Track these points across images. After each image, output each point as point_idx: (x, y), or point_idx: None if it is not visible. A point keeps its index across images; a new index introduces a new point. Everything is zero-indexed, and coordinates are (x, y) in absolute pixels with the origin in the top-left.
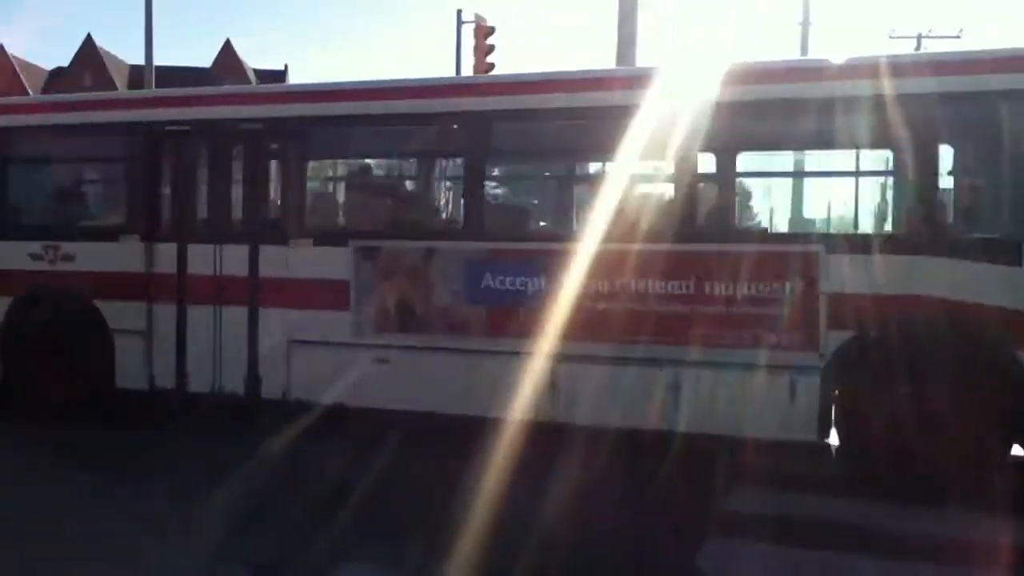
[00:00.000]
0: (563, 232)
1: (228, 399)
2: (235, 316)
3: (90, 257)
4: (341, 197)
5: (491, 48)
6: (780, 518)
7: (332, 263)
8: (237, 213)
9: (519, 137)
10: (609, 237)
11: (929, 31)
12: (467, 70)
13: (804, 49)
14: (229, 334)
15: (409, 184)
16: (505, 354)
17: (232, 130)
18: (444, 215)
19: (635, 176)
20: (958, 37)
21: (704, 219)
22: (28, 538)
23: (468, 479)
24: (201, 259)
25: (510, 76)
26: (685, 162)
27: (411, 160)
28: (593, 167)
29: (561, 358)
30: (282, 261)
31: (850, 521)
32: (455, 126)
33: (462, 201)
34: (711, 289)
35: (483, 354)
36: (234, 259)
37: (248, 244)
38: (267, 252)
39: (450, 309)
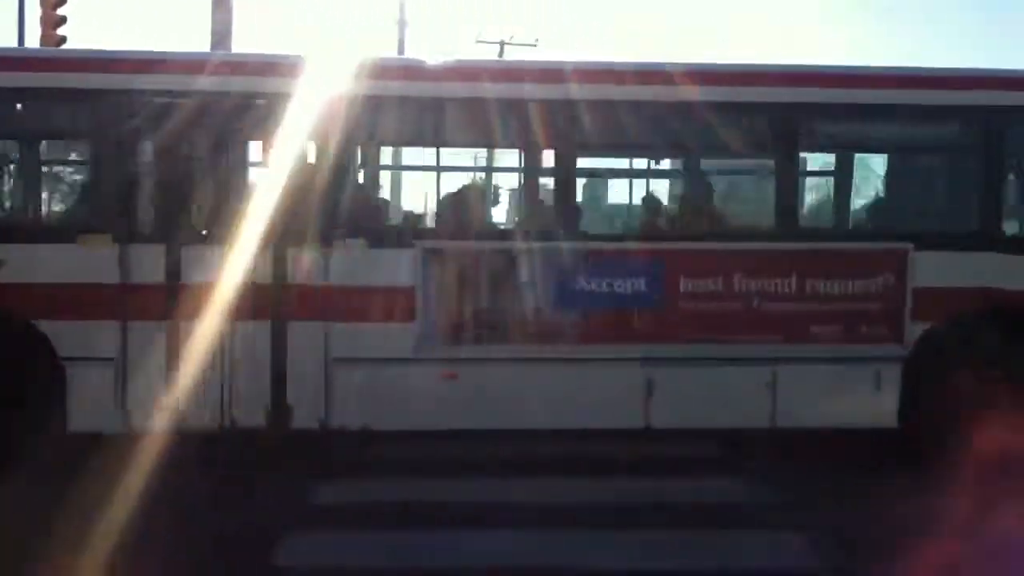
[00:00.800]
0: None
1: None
2: (253, 332)
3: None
4: (403, 190)
5: (62, 19)
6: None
7: (392, 267)
8: (261, 208)
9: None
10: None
11: (511, 37)
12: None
13: (401, 48)
14: (244, 354)
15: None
16: (599, 360)
17: (248, 104)
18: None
19: None
20: (534, 45)
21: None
22: None
23: None
24: (199, 265)
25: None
26: None
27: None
28: None
29: (661, 362)
30: (323, 266)
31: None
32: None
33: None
34: None
35: (577, 362)
36: (251, 264)
37: (272, 245)
38: (300, 255)
39: (539, 315)
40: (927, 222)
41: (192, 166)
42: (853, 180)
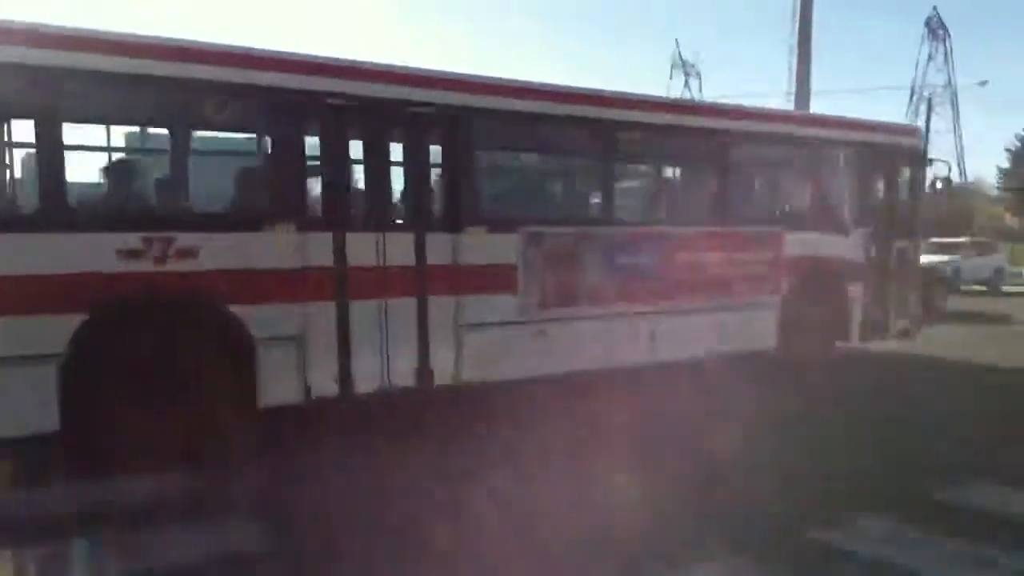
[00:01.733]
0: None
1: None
2: (402, 307)
3: (223, 251)
4: (512, 186)
5: None
6: None
7: (503, 249)
8: (402, 200)
9: None
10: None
11: None
12: None
13: None
14: (396, 326)
15: (565, 178)
16: (629, 316)
17: (402, 112)
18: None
19: None
20: None
21: None
22: None
23: None
24: (362, 250)
25: None
26: None
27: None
28: None
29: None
30: (453, 249)
31: None
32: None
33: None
34: None
35: (617, 317)
36: (399, 248)
37: (414, 232)
38: (436, 240)
39: (595, 282)
40: None
41: (355, 167)
42: None
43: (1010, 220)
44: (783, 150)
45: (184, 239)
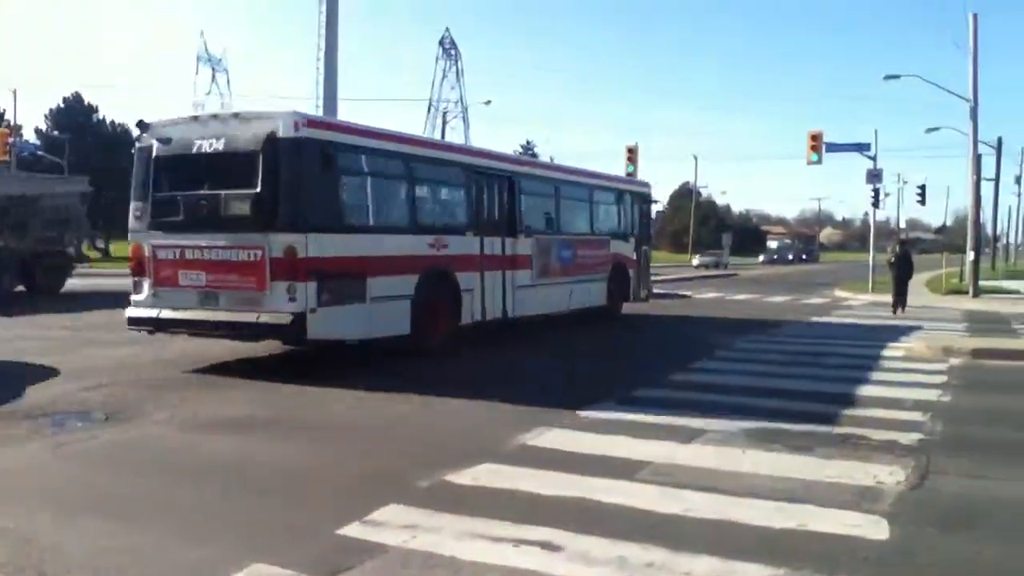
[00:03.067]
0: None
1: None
2: (496, 276)
3: (455, 246)
4: (530, 212)
5: None
6: None
7: (528, 246)
8: (495, 219)
9: None
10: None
11: None
12: None
13: None
14: (492, 285)
15: (548, 208)
16: (563, 284)
17: (495, 174)
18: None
19: None
20: None
21: None
22: None
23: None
24: (497, 245)
25: None
26: None
27: (552, 197)
28: None
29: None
30: (512, 246)
31: None
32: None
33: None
34: None
35: (560, 284)
36: (494, 244)
37: (485, 236)
38: (492, 243)
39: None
40: None
41: (487, 202)
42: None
43: None
44: (606, 195)
45: (445, 239)
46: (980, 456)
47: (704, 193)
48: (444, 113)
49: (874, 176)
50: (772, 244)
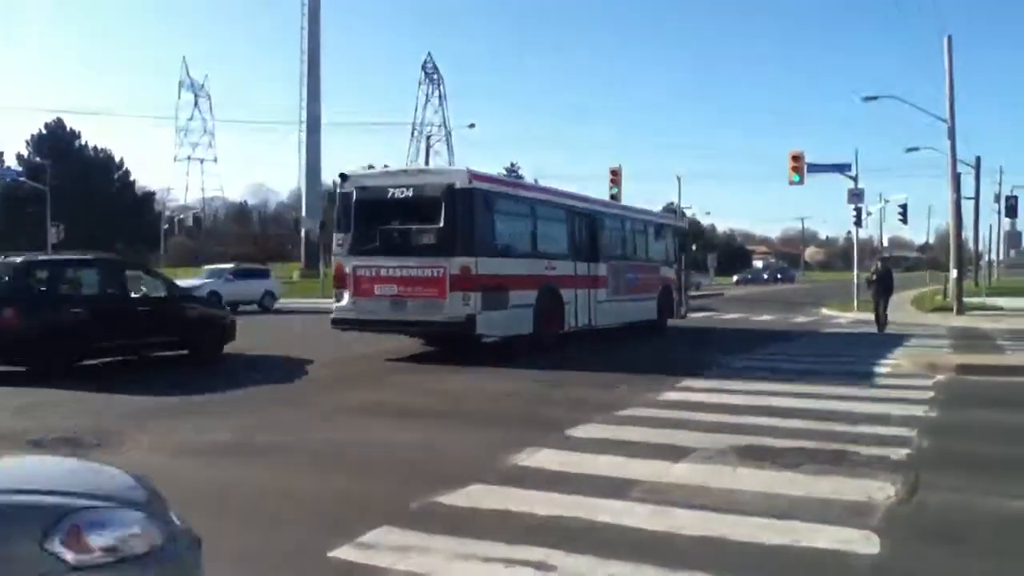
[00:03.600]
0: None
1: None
2: (584, 292)
3: (560, 268)
4: (604, 243)
5: None
6: None
7: (603, 269)
8: (585, 248)
9: None
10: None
11: None
12: None
13: None
14: (579, 301)
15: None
16: (619, 301)
17: (583, 213)
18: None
19: None
20: None
21: None
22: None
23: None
24: (584, 268)
25: None
26: None
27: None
28: None
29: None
30: (595, 269)
31: None
32: None
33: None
34: None
35: (627, 301)
36: (584, 267)
37: (577, 261)
38: (591, 265)
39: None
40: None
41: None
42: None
43: None
44: (655, 228)
45: (554, 263)
46: (967, 471)
47: (688, 213)
48: (428, 137)
49: (855, 196)
50: (758, 264)
